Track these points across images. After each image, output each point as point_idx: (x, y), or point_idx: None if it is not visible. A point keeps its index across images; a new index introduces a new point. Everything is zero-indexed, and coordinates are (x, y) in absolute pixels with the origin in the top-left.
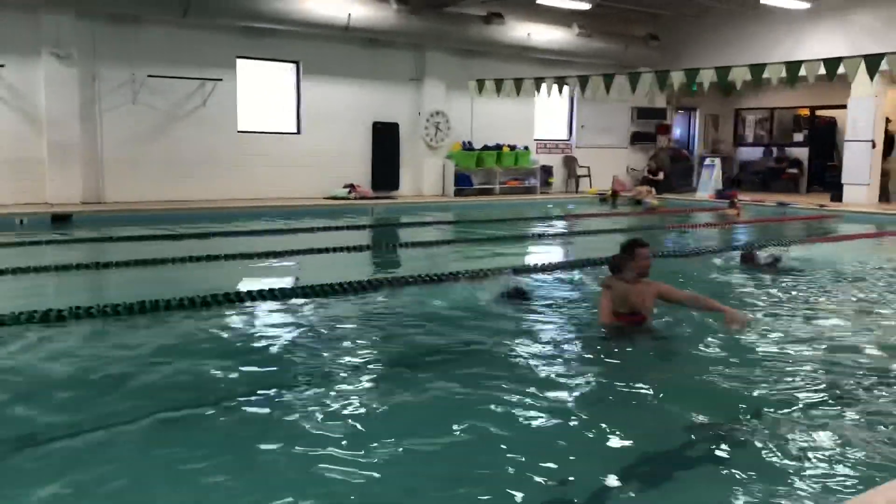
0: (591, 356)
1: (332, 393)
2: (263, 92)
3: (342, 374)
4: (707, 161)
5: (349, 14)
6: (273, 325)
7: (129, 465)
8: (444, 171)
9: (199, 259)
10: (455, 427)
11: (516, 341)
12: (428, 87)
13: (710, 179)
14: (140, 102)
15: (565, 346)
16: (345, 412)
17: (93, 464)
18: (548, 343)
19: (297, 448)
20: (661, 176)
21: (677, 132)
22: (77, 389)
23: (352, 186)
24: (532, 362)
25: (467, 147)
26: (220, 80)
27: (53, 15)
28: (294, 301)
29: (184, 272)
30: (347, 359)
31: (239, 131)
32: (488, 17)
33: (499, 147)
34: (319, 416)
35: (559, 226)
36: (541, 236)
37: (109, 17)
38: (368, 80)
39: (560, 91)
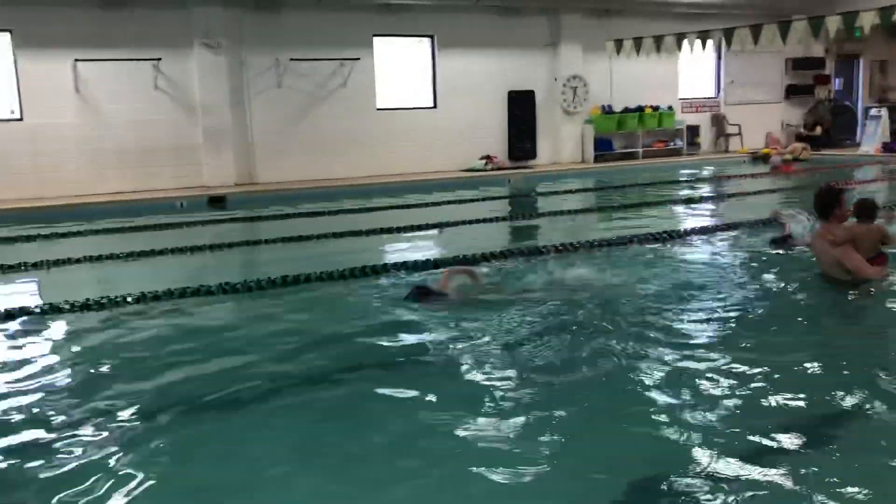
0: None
1: (484, 366)
2: (400, 68)
3: (494, 346)
4: (873, 112)
5: None
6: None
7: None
8: (582, 137)
9: (343, 234)
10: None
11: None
12: (563, 51)
13: (875, 132)
14: (284, 86)
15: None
16: (494, 384)
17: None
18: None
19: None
20: (818, 131)
21: (838, 82)
22: (231, 356)
23: (488, 158)
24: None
25: (607, 110)
26: (358, 59)
27: (202, 7)
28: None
29: (329, 247)
30: (500, 329)
31: (378, 109)
32: None
33: (640, 109)
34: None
35: (706, 188)
36: (688, 200)
37: (253, 4)
38: (502, 49)
39: (703, 46)
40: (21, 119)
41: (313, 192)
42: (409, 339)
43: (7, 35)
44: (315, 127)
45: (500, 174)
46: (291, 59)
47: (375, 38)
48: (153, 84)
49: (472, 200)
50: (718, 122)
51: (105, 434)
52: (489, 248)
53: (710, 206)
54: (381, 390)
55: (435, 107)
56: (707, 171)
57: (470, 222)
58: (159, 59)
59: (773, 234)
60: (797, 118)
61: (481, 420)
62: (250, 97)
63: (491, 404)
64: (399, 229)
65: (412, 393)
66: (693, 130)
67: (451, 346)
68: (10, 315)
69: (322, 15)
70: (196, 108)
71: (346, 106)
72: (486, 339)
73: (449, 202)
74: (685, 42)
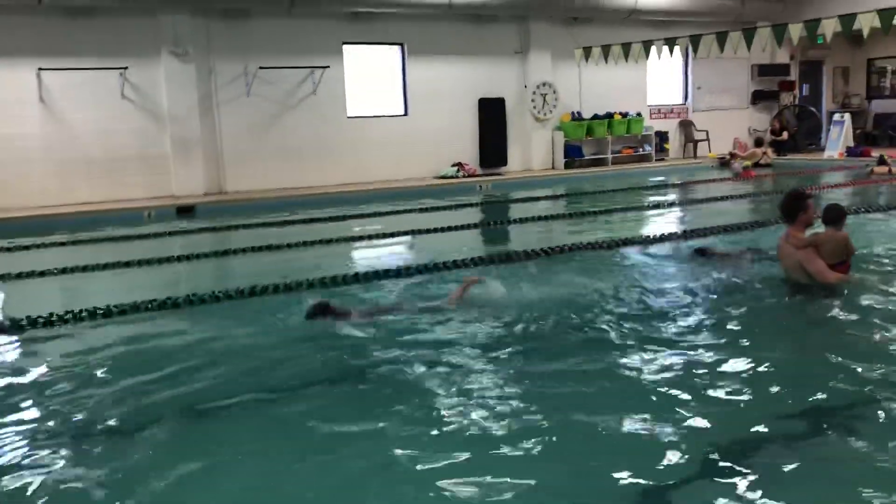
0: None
1: (456, 369)
2: (370, 76)
3: (467, 350)
4: (836, 117)
5: None
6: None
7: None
8: (552, 144)
9: (313, 243)
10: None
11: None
12: (533, 58)
13: (839, 137)
14: (254, 94)
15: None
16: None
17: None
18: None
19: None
20: (784, 136)
21: (805, 88)
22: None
23: (460, 165)
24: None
25: (576, 117)
26: (328, 67)
27: (170, 15)
28: (409, 279)
29: (299, 256)
30: (477, 332)
31: (348, 117)
32: None
33: (609, 115)
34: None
35: (675, 194)
36: (656, 206)
37: (222, 12)
38: (473, 57)
39: (671, 53)
40: None
41: (284, 201)
42: (373, 351)
43: None
44: (285, 135)
45: (471, 181)
46: (261, 68)
47: (345, 46)
48: (120, 93)
49: (443, 208)
50: (686, 128)
51: (63, 448)
52: (460, 256)
53: (676, 211)
54: (346, 405)
55: (406, 114)
56: (674, 177)
57: (442, 230)
58: (126, 67)
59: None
60: (764, 123)
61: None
62: (219, 105)
63: (460, 419)
64: (370, 237)
65: (377, 406)
66: (661, 136)
67: (413, 357)
68: None
69: (291, 23)
70: (164, 116)
71: (316, 114)
72: (450, 349)
73: (421, 210)
74: (653, 49)
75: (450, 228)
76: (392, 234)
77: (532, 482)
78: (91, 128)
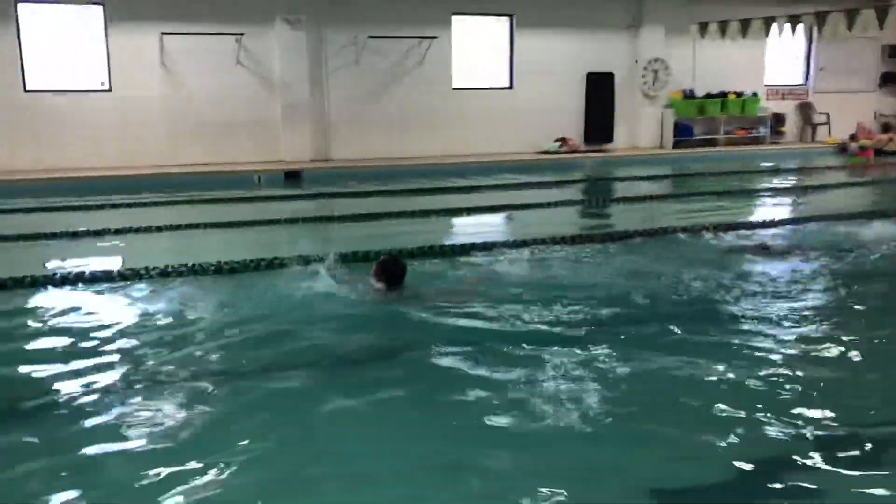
0: None
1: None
2: (476, 48)
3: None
4: None
5: None
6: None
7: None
8: (662, 122)
9: (414, 214)
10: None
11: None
12: (646, 33)
13: None
14: (362, 63)
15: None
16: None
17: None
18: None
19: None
20: None
21: None
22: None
23: (563, 140)
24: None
25: (688, 95)
26: (436, 37)
27: None
28: (505, 253)
29: (399, 226)
30: (557, 312)
31: (454, 88)
32: None
33: (724, 94)
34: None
35: (786, 179)
36: (767, 190)
37: None
38: (582, 30)
39: (793, 31)
40: (110, 90)
41: (387, 170)
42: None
43: (100, 8)
44: (391, 105)
45: (574, 157)
46: (370, 37)
47: (454, 17)
48: (235, 59)
49: (544, 184)
50: (805, 110)
51: (173, 396)
52: (555, 232)
53: (785, 198)
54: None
55: (511, 87)
56: (790, 161)
57: (541, 205)
58: (242, 34)
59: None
60: (892, 108)
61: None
62: (328, 74)
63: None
64: (469, 210)
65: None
66: (778, 118)
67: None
68: (92, 279)
69: None
70: (275, 83)
71: (422, 84)
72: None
73: (520, 184)
74: (774, 26)
75: (549, 204)
76: (490, 208)
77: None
78: (206, 92)
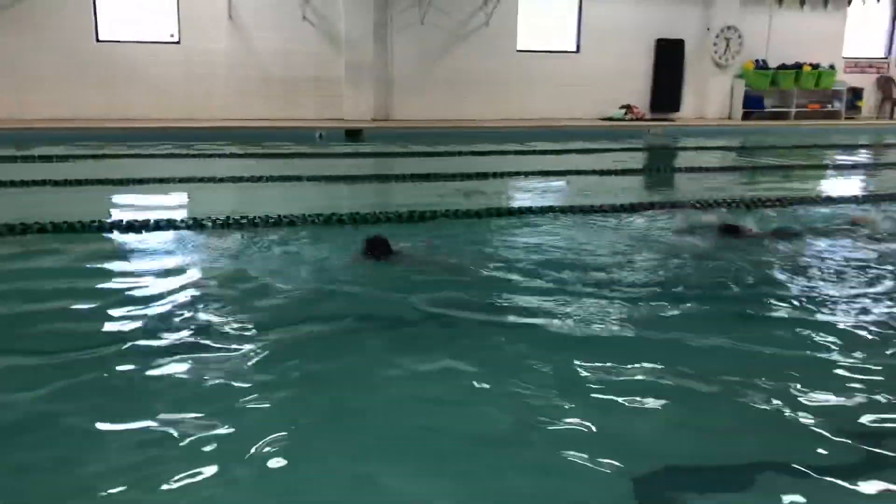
0: None
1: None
2: (543, 10)
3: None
4: None
5: None
6: (534, 241)
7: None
8: (731, 92)
9: (470, 176)
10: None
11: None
12: (719, 0)
13: None
14: (427, 23)
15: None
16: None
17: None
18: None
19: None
20: None
21: None
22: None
23: (628, 107)
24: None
25: (761, 66)
26: None
27: None
28: (554, 218)
29: (457, 187)
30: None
31: (518, 50)
32: None
33: (798, 66)
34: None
35: (862, 156)
36: (836, 167)
37: None
38: None
39: None
40: (179, 42)
41: (448, 131)
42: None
43: None
44: (454, 66)
45: (639, 125)
46: None
47: None
48: (301, 15)
49: (607, 150)
50: (885, 85)
51: (223, 350)
52: (612, 200)
53: (853, 174)
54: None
55: (578, 51)
56: (864, 138)
57: (602, 173)
58: None
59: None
60: None
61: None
62: (393, 33)
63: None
64: (528, 174)
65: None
66: (855, 93)
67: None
68: (157, 226)
69: None
70: (340, 41)
71: (486, 46)
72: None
73: (583, 151)
74: None
75: (611, 172)
76: (550, 173)
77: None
78: (272, 47)
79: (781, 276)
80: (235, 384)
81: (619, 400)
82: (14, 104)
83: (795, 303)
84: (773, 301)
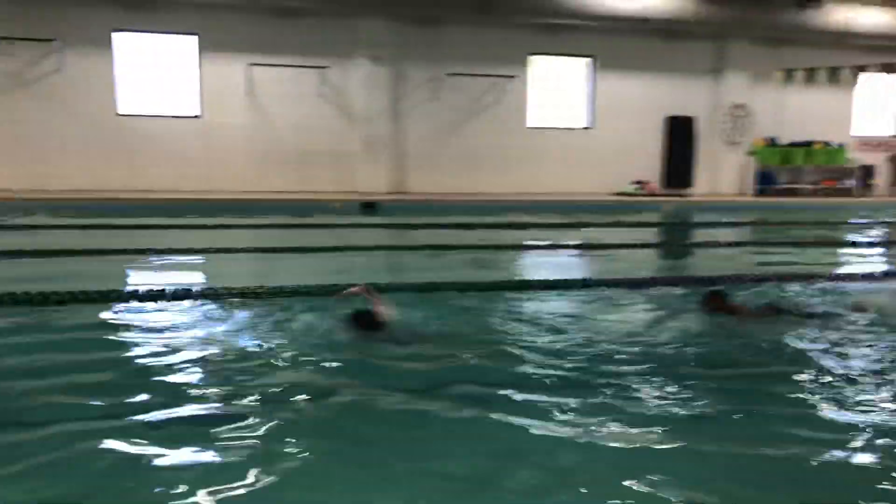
0: None
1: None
2: (552, 88)
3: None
4: None
5: (649, 6)
6: (553, 312)
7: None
8: (743, 169)
9: (487, 248)
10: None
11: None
12: (729, 78)
13: None
14: (440, 99)
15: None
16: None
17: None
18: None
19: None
20: None
21: None
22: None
23: (641, 183)
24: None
25: (772, 143)
26: (514, 76)
27: (368, 20)
28: (577, 292)
29: (469, 258)
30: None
31: (528, 127)
32: (802, 2)
33: (809, 143)
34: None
35: (874, 233)
36: (851, 243)
37: (416, 19)
38: (664, 74)
39: (889, 77)
40: (199, 117)
41: (461, 205)
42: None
43: (195, 38)
44: (466, 141)
45: (652, 200)
46: (448, 74)
47: (532, 57)
48: (317, 91)
49: (619, 225)
50: None
51: (245, 418)
52: (626, 274)
53: (873, 250)
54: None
55: (589, 128)
56: (881, 215)
57: (614, 246)
58: (326, 66)
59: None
60: None
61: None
62: (407, 109)
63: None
64: (539, 247)
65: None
66: (867, 171)
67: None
68: (174, 295)
69: (482, 31)
70: (356, 116)
71: (497, 122)
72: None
73: (594, 225)
74: (864, 74)
75: (623, 246)
76: (561, 246)
77: None
78: (289, 122)
79: (774, 357)
80: (244, 458)
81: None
82: (37, 175)
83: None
84: (770, 385)
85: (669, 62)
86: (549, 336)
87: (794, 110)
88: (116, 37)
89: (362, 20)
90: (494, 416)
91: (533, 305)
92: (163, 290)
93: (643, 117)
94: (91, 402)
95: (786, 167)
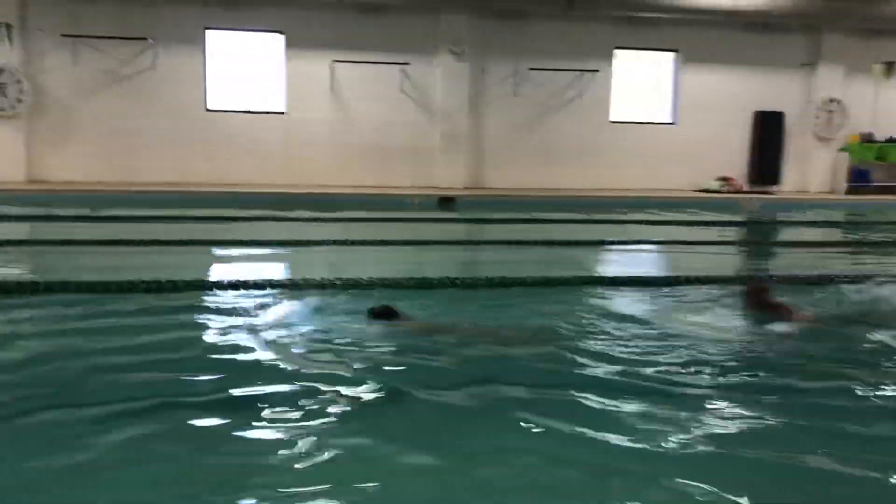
0: None
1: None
2: (636, 82)
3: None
4: None
5: None
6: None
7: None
8: (835, 166)
9: (560, 244)
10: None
11: None
12: (822, 72)
13: None
14: (520, 94)
15: None
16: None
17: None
18: None
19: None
20: None
21: None
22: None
23: (726, 179)
24: None
25: (867, 139)
26: (597, 70)
27: (451, 15)
28: (644, 288)
29: (544, 254)
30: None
31: (611, 121)
32: None
33: None
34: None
35: None
36: None
37: (498, 13)
38: (752, 67)
39: None
40: (284, 113)
41: (540, 200)
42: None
43: (282, 37)
44: (546, 136)
45: (736, 197)
46: (530, 69)
47: (617, 51)
48: (399, 87)
49: (701, 223)
50: None
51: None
52: (706, 272)
53: None
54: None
55: (673, 123)
56: None
57: (694, 243)
58: (407, 63)
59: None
60: None
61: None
62: (487, 103)
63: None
64: (615, 243)
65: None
66: None
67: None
68: (255, 286)
69: (565, 25)
70: (435, 111)
71: (579, 117)
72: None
73: (676, 222)
74: None
75: (703, 243)
76: (639, 242)
77: None
78: (370, 118)
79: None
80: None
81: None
82: (126, 168)
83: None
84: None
85: (759, 55)
86: (622, 334)
87: (892, 105)
88: (210, 34)
89: (444, 15)
90: (549, 413)
91: (605, 302)
92: (245, 280)
93: (729, 112)
94: (179, 380)
95: (881, 164)
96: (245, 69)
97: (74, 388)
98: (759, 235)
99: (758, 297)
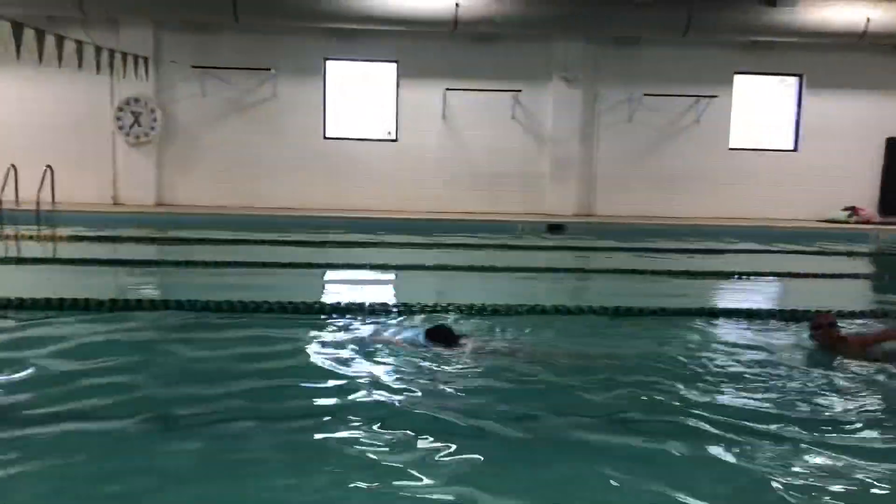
0: None
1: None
2: (756, 107)
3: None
4: None
5: (867, 19)
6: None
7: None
8: None
9: (676, 274)
10: None
11: None
12: None
13: None
14: (635, 121)
15: None
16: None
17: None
18: None
19: None
20: None
21: None
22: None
23: (853, 209)
24: None
25: None
26: (716, 96)
27: (564, 42)
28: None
29: (657, 285)
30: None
31: (730, 148)
32: None
33: None
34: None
35: None
36: None
37: (613, 40)
38: (883, 90)
39: None
40: (396, 140)
41: (653, 229)
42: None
43: (394, 65)
44: (661, 163)
45: (865, 228)
46: (645, 94)
47: (737, 76)
48: (510, 114)
49: (824, 253)
50: None
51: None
52: (827, 306)
53: None
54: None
55: (795, 150)
56: None
57: (814, 276)
58: (519, 90)
59: None
60: None
61: None
62: (599, 130)
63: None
64: (733, 275)
65: None
66: None
67: None
68: (371, 310)
69: (682, 51)
70: (546, 138)
71: (697, 143)
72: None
73: (796, 252)
74: None
75: (823, 276)
76: (759, 274)
77: None
78: (481, 145)
79: None
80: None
81: None
82: (248, 192)
83: None
84: None
85: (889, 79)
86: (725, 366)
87: None
88: (328, 65)
89: (558, 43)
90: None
91: (716, 333)
92: (362, 303)
93: (856, 138)
94: (287, 393)
95: None
96: (359, 97)
97: (210, 401)
98: (889, 269)
99: (825, 333)
